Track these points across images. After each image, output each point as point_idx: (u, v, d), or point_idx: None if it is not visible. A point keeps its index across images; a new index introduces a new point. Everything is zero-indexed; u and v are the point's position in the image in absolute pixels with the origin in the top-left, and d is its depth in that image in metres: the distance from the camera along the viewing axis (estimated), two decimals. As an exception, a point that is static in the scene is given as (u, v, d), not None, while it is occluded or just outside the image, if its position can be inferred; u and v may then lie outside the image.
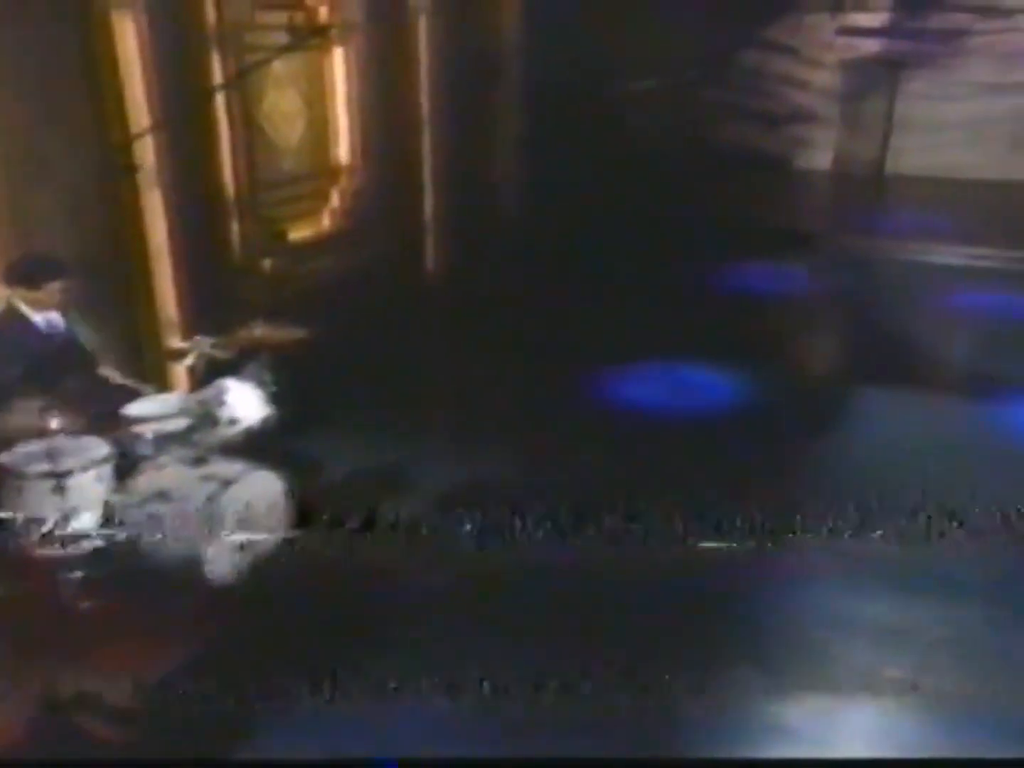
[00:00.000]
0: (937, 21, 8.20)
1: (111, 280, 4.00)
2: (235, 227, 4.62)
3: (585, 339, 5.46)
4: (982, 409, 4.95)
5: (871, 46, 8.48)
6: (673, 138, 7.98)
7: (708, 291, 6.35)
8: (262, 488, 3.26)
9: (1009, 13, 8.01)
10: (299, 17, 4.80)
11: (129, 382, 3.53)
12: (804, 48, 8.80)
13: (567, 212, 6.36)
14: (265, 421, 3.45)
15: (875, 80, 8.65)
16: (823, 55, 8.73)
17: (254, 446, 3.39)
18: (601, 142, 7.02)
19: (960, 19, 8.17)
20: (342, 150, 5.43)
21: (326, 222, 5.41)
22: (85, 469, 2.99)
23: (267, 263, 4.83)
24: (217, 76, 4.31)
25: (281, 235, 5.01)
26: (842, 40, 8.56)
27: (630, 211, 6.83)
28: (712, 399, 5.10)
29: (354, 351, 4.63)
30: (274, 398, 3.51)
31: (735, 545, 3.25)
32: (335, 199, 5.43)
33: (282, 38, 4.42)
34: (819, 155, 8.98)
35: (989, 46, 8.16)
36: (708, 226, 7.21)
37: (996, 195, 8.27)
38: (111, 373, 3.51)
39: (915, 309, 6.32)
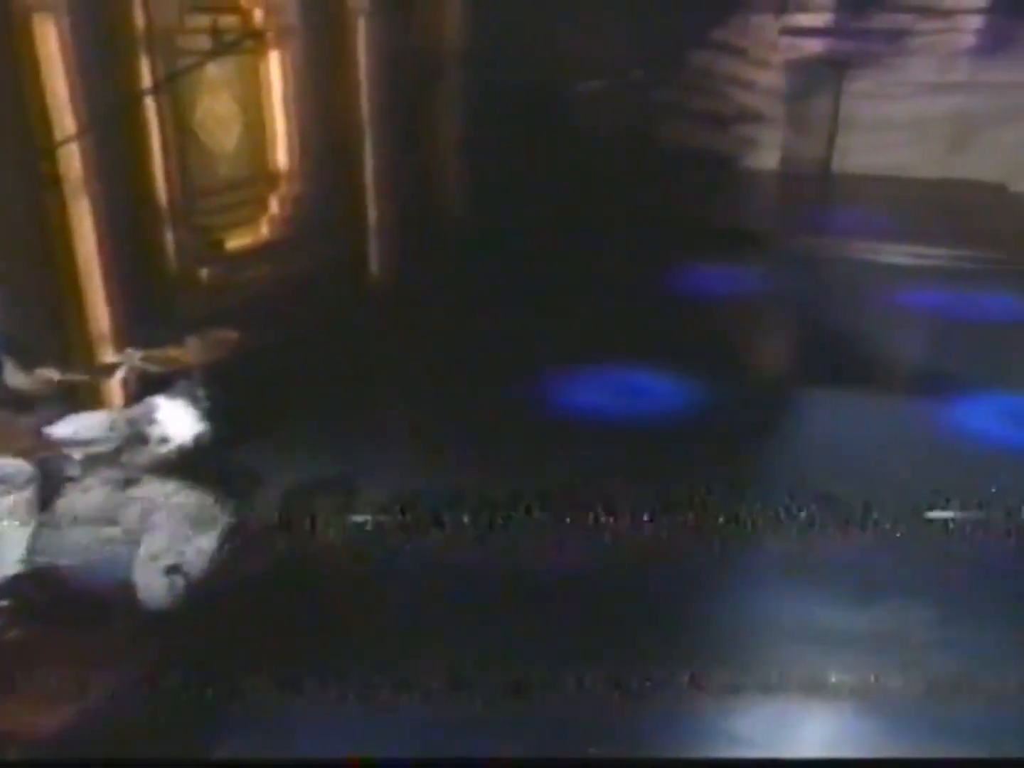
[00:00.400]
0: (879, 21, 8.31)
1: (36, 293, 3.89)
2: (168, 236, 4.51)
3: (533, 343, 5.46)
4: (928, 406, 5.03)
5: (815, 46, 8.57)
6: (620, 139, 8.00)
7: (657, 293, 6.37)
8: (196, 508, 3.20)
9: (948, 13, 8.15)
10: (232, 20, 4.71)
11: (55, 399, 3.44)
12: (750, 48, 8.87)
13: (514, 215, 6.34)
14: (199, 439, 3.38)
15: (820, 80, 8.75)
16: (768, 55, 8.81)
17: (187, 465, 3.31)
18: (548, 143, 7.01)
19: (901, 19, 8.29)
20: (281, 155, 5.33)
21: (265, 229, 5.30)
22: (5, 494, 2.91)
23: (203, 273, 4.73)
24: (146, 81, 4.21)
25: (218, 244, 4.91)
26: (786, 40, 8.64)
27: (578, 213, 6.84)
28: (661, 402, 5.12)
29: (296, 361, 4.56)
30: (209, 414, 3.43)
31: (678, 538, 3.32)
32: (274, 206, 5.33)
33: (215, 42, 4.33)
34: (766, 155, 9.06)
35: (930, 46, 8.30)
36: (656, 227, 7.25)
37: (938, 193, 8.42)
38: (34, 389, 3.42)
39: (862, 308, 6.40)
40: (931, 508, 3.54)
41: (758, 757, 2.77)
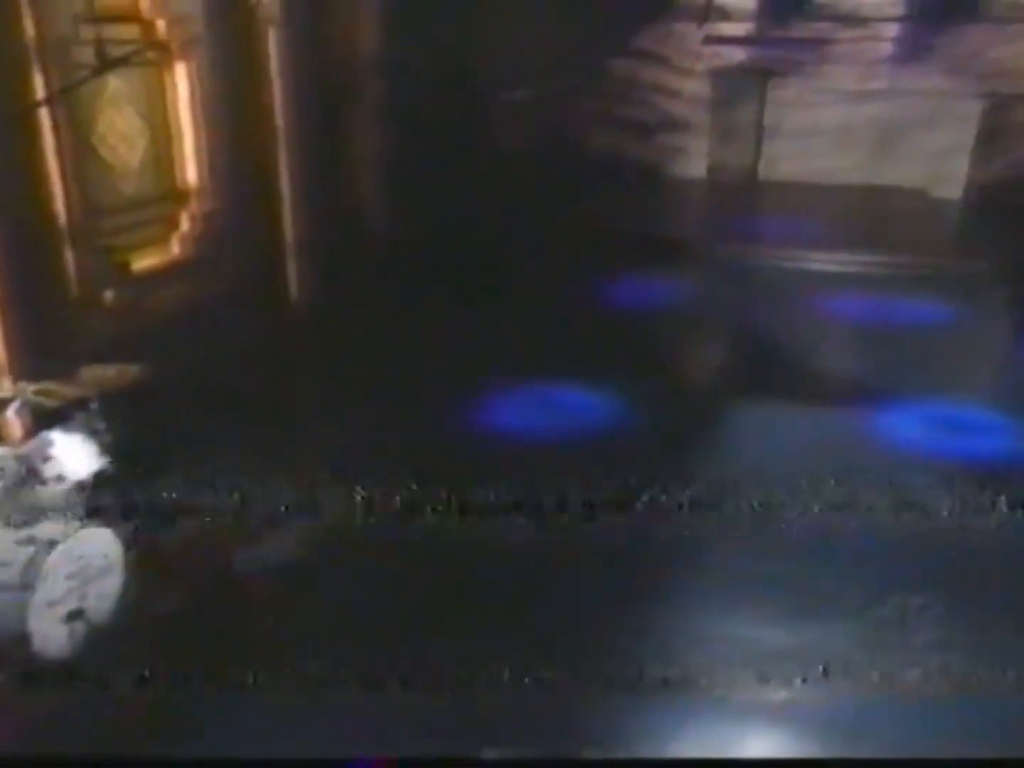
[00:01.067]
0: (800, 30, 8.46)
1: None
2: (68, 258, 4.33)
3: (456, 360, 5.39)
4: (856, 413, 5.10)
5: (738, 55, 8.69)
6: (545, 149, 7.99)
7: (585, 305, 6.36)
8: (95, 547, 3.05)
9: (867, 21, 8.34)
10: (133, 31, 4.56)
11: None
12: (674, 57, 8.95)
13: (436, 229, 6.27)
14: (99, 475, 3.24)
15: (744, 88, 8.87)
16: (692, 64, 8.90)
17: (86, 502, 3.17)
18: (470, 154, 6.96)
19: (822, 27, 8.45)
20: (190, 172, 5.18)
21: (175, 249, 5.14)
22: None
23: (107, 296, 4.56)
24: (39, 95, 4.04)
25: (123, 265, 4.74)
26: (709, 49, 8.75)
27: (501, 226, 6.79)
28: (589, 418, 5.10)
29: (208, 388, 4.42)
30: (109, 449, 3.29)
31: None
32: (184, 224, 5.18)
33: (115, 53, 4.17)
34: (693, 163, 9.15)
35: (850, 54, 8.47)
36: (582, 238, 7.25)
37: (862, 200, 8.60)
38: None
39: (790, 315, 6.48)
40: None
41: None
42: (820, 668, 3.03)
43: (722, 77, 8.86)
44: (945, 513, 3.71)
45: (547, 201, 7.48)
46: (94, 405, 3.33)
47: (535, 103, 8.14)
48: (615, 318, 6.36)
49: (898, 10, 8.48)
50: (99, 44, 3.83)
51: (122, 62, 4.06)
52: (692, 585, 3.54)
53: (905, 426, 4.96)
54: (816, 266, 7.42)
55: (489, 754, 2.63)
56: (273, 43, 5.36)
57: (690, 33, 8.79)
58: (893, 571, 3.54)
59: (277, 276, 5.80)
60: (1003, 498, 3.77)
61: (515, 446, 4.75)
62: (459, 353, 5.48)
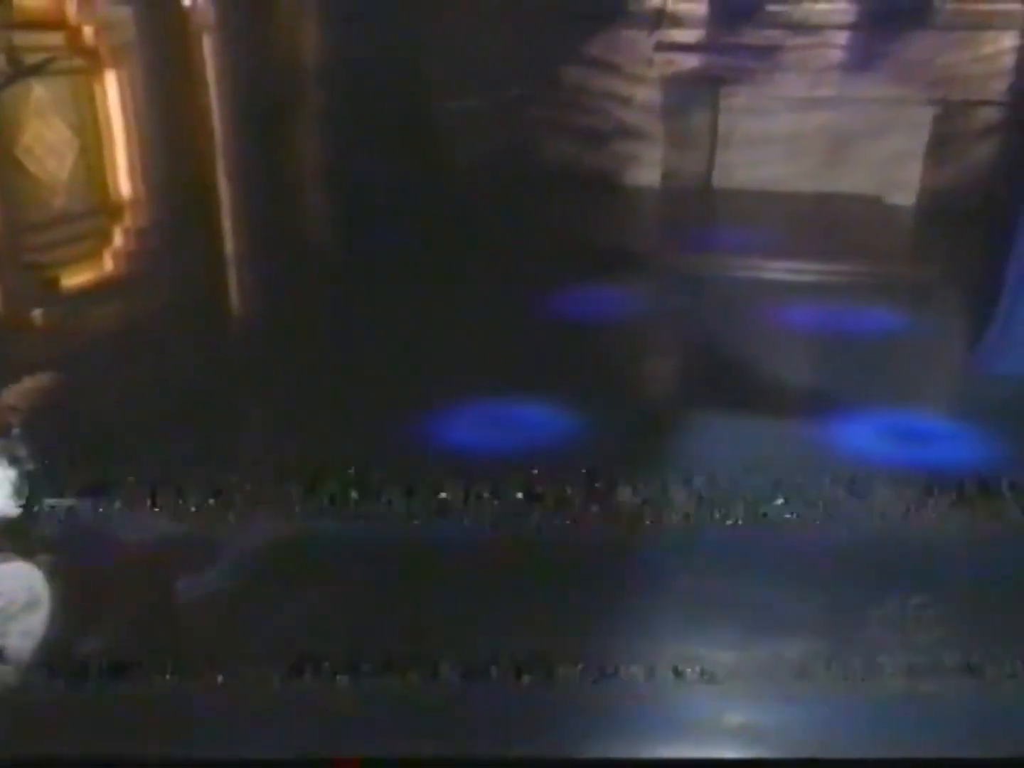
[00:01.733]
0: (751, 37, 8.54)
1: None
2: (-7, 277, 4.21)
3: (406, 373, 5.32)
4: (812, 423, 5.12)
5: (689, 62, 8.74)
6: (496, 158, 7.97)
7: (536, 317, 6.32)
8: (13, 584, 2.94)
9: (818, 28, 8.43)
10: (58, 38, 4.44)
11: None
12: (625, 64, 8.98)
13: (383, 241, 6.20)
14: (22, 508, 3.12)
15: (696, 95, 8.92)
16: (644, 71, 8.93)
17: (6, 536, 3.05)
18: (418, 164, 6.91)
19: (773, 35, 8.53)
20: (123, 184, 5.06)
21: (108, 265, 5.02)
22: None
23: (35, 315, 4.43)
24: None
25: (52, 282, 4.60)
26: (661, 56, 8.79)
27: (451, 237, 6.74)
28: (543, 433, 5.06)
29: (143, 408, 4.31)
30: (32, 478, 3.17)
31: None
32: (118, 239, 5.06)
33: (29, 61, 4.06)
34: (647, 172, 9.18)
35: (802, 61, 8.56)
36: (535, 249, 7.22)
37: (817, 208, 8.69)
38: None
39: (746, 324, 6.50)
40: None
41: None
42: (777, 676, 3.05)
43: (675, 84, 8.91)
44: (898, 520, 3.78)
45: (498, 211, 7.44)
46: (17, 430, 3.22)
47: (485, 111, 8.12)
48: (569, 330, 6.33)
49: (849, 18, 8.59)
50: (11, 51, 3.72)
51: (37, 70, 3.95)
52: (636, 598, 3.54)
53: (860, 435, 4.99)
54: (771, 275, 7.46)
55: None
56: (208, 49, 5.28)
57: (642, 40, 8.83)
58: (844, 581, 3.58)
59: (217, 291, 5.70)
60: (955, 504, 3.83)
61: (466, 459, 4.72)
62: (409, 366, 5.41)
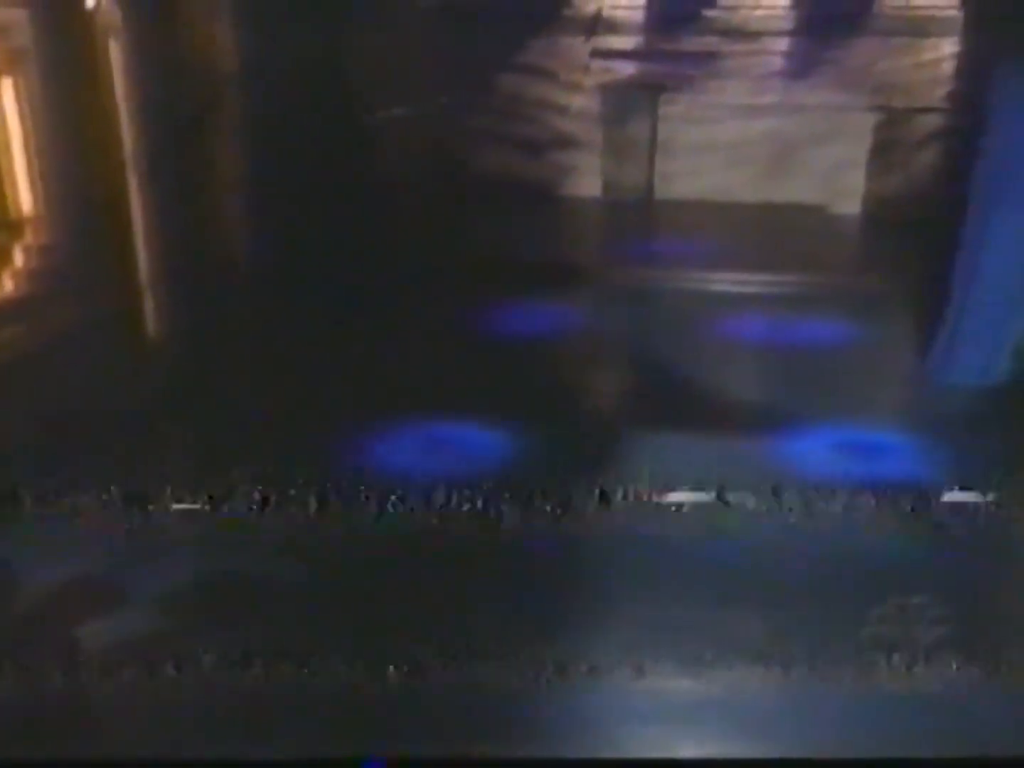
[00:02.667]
0: (688, 43, 8.63)
1: None
2: None
3: (331, 395, 5.27)
4: (759, 437, 5.18)
5: (627, 69, 8.81)
6: (428, 169, 7.93)
7: (470, 335, 6.30)
8: None
9: (756, 35, 8.56)
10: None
11: None
12: (561, 71, 9.02)
13: (307, 257, 6.13)
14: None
15: (635, 103, 8.98)
16: (581, 78, 8.98)
17: None
18: (345, 177, 6.85)
19: (711, 41, 8.64)
20: (23, 200, 4.95)
21: (8, 286, 4.90)
22: None
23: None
24: None
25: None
26: (597, 63, 8.85)
27: (381, 253, 6.69)
28: (478, 456, 5.04)
29: (53, 434, 4.23)
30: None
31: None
32: (18, 258, 4.94)
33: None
34: (585, 182, 9.21)
35: (741, 68, 8.68)
36: (469, 264, 7.20)
37: (761, 217, 8.78)
38: None
39: (690, 339, 6.55)
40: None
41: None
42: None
43: (612, 92, 8.96)
44: (848, 534, 3.92)
45: (430, 225, 7.41)
46: None
47: (415, 120, 8.09)
48: (504, 348, 6.32)
49: (788, 24, 8.73)
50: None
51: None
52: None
53: (808, 449, 5.06)
54: (715, 287, 7.53)
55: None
56: (115, 54, 5.19)
57: (578, 46, 8.88)
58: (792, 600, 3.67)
59: (129, 312, 5.58)
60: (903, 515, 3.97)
61: (395, 484, 4.73)
62: (334, 387, 5.36)
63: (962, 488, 4.24)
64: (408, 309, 6.27)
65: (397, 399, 5.24)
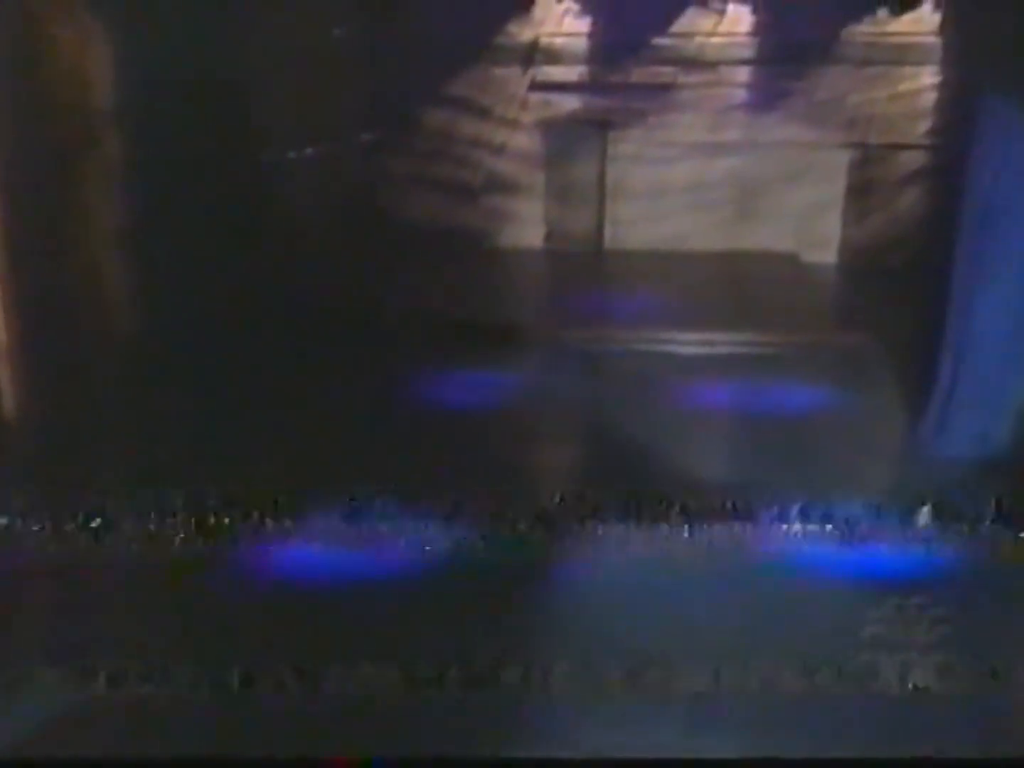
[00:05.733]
0: (638, 75, 8.82)
1: None
2: None
3: (231, 477, 5.25)
4: (730, 515, 5.22)
5: (570, 103, 8.97)
6: (344, 217, 7.97)
7: (394, 406, 6.28)
8: None
9: (713, 65, 8.78)
10: None
11: None
12: (496, 106, 9.15)
13: (199, 318, 6.09)
14: None
15: (580, 142, 9.12)
16: (518, 114, 9.12)
17: None
18: (245, 226, 6.84)
19: (663, 72, 8.84)
20: None
21: None
22: None
23: None
24: None
25: None
26: (537, 97, 9.00)
27: (289, 311, 6.66)
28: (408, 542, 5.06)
29: None
30: None
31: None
32: None
33: None
34: (525, 232, 9.29)
35: (699, 101, 8.88)
36: (394, 325, 7.21)
37: (725, 268, 8.92)
38: None
39: (648, 408, 6.58)
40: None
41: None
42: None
43: (554, 129, 9.10)
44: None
45: (349, 281, 7.42)
46: None
47: (330, 162, 8.14)
48: (435, 420, 6.31)
49: (748, 52, 8.98)
50: None
51: None
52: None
53: (784, 526, 5.12)
54: (676, 348, 7.60)
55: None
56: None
57: (514, 78, 9.04)
58: None
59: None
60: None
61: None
62: (233, 468, 5.34)
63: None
64: (326, 377, 6.26)
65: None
